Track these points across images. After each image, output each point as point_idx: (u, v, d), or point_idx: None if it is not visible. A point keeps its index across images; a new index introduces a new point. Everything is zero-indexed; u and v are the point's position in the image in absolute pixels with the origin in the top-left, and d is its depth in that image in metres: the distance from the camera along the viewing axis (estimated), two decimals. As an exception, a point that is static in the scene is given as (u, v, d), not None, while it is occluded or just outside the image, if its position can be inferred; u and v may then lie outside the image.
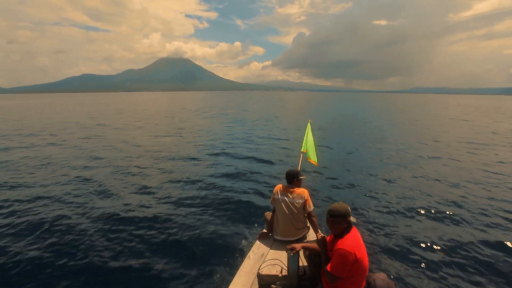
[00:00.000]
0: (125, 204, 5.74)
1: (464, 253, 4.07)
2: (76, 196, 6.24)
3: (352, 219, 2.37)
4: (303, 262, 2.89)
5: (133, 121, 22.23)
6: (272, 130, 17.43)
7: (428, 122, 22.67)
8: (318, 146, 11.67)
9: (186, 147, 11.75)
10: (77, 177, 7.57)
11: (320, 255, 2.60)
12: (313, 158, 4.88)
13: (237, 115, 28.06)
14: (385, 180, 7.44)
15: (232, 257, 3.93)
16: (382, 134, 15.78)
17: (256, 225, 4.90)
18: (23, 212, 5.36)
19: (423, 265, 3.81)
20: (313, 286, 2.73)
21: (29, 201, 5.91)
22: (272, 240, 3.40)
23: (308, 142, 4.96)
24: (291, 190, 3.34)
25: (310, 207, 3.30)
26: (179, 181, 7.21)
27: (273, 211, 3.46)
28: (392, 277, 3.52)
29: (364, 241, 2.41)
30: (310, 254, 2.76)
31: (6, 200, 5.91)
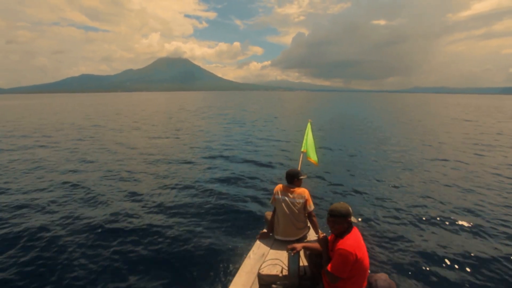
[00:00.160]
0: (113, 214, 5.29)
1: (467, 255, 4.01)
2: (60, 204, 5.80)
3: (353, 219, 2.35)
4: (303, 262, 2.87)
5: (130, 122, 21.78)
6: (272, 131, 17.01)
7: (430, 122, 22.27)
8: (319, 148, 11.28)
9: (182, 150, 11.31)
10: (64, 183, 7.13)
11: (320, 255, 2.59)
12: (313, 157, 4.89)
13: (236, 116, 27.63)
14: (388, 181, 7.26)
15: (232, 257, 3.91)
16: (384, 134, 15.39)
17: (255, 228, 4.70)
18: (-1, 224, 4.92)
19: (424, 265, 3.76)
20: (314, 286, 2.72)
21: (7, 210, 5.46)
22: (272, 240, 3.39)
23: (308, 142, 4.98)
24: (292, 190, 3.33)
25: (311, 207, 3.30)
26: (172, 188, 6.78)
27: (274, 211, 3.44)
28: (393, 277, 3.47)
29: (365, 241, 2.39)
30: (311, 254, 2.75)
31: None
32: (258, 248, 3.27)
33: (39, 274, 3.63)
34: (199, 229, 4.74)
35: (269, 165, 8.81)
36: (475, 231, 4.68)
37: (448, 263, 3.84)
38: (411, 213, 5.37)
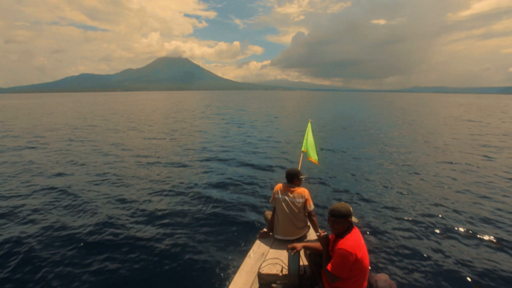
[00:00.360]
0: (98, 225, 4.82)
1: (468, 257, 3.96)
2: (42, 213, 5.32)
3: (354, 219, 2.34)
4: (303, 261, 2.87)
5: (126, 122, 21.25)
6: (272, 131, 16.51)
7: (433, 122, 21.78)
8: (321, 150, 10.82)
9: (177, 152, 10.82)
10: (51, 188, 6.66)
11: (321, 255, 2.58)
12: (314, 157, 4.87)
13: (235, 116, 27.12)
14: (390, 183, 7.10)
15: (232, 256, 3.89)
16: (386, 135, 14.94)
17: (253, 233, 4.49)
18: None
19: (425, 267, 3.73)
20: (314, 286, 2.71)
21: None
22: (272, 239, 3.39)
23: (309, 142, 4.96)
24: (292, 189, 3.33)
25: (311, 206, 3.29)
26: (165, 194, 6.30)
27: (273, 210, 3.44)
28: (394, 278, 3.44)
29: (366, 241, 2.37)
30: (311, 253, 2.74)
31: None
32: (258, 247, 3.26)
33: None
34: (190, 241, 4.35)
35: (268, 169, 8.33)
36: (477, 236, 4.51)
37: (450, 265, 3.78)
38: (414, 215, 5.23)
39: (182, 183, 7.03)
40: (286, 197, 3.28)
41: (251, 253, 3.17)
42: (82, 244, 4.30)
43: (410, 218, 5.09)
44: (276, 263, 2.84)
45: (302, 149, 4.96)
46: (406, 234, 4.56)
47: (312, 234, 3.41)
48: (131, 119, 23.88)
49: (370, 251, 2.65)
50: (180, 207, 5.57)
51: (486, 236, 4.50)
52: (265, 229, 3.53)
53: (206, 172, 8.05)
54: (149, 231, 4.65)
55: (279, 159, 9.59)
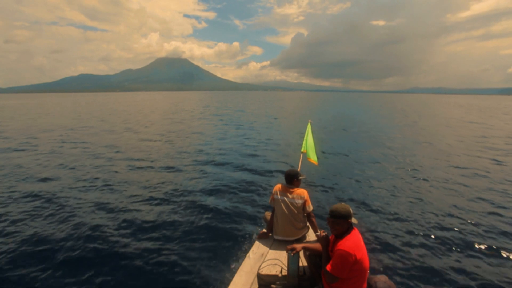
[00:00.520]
0: (79, 239, 4.40)
1: (468, 259, 3.93)
2: (20, 224, 4.88)
3: (354, 220, 2.33)
4: (303, 262, 2.86)
5: (122, 123, 20.79)
6: (271, 133, 16.05)
7: (434, 123, 21.39)
8: (323, 153, 10.39)
9: (172, 155, 10.36)
10: (34, 196, 6.20)
11: (320, 255, 2.57)
12: (313, 157, 4.86)
13: (234, 117, 26.68)
14: (392, 186, 6.94)
15: (232, 256, 3.87)
16: (388, 136, 14.57)
17: (247, 235, 4.42)
18: None
19: (425, 269, 3.69)
20: (313, 287, 2.70)
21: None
22: (271, 240, 3.37)
23: (308, 142, 4.96)
24: (291, 190, 3.30)
25: (310, 207, 3.27)
26: (157, 204, 5.86)
27: (273, 211, 3.42)
28: (393, 280, 3.39)
29: (365, 242, 2.36)
30: (311, 254, 2.73)
31: None
32: (258, 248, 3.25)
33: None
34: (189, 243, 4.24)
35: (267, 174, 7.90)
36: (486, 248, 4.26)
37: (451, 267, 3.74)
38: (415, 218, 5.13)
39: (175, 190, 6.57)
40: (285, 198, 3.26)
41: (250, 253, 3.16)
42: (59, 261, 3.87)
43: (412, 221, 4.98)
44: (275, 264, 2.84)
45: (302, 149, 4.96)
46: (407, 236, 4.49)
47: (311, 235, 3.40)
48: (128, 120, 23.43)
49: (369, 252, 2.49)
50: (168, 219, 5.13)
51: (495, 245, 4.25)
52: (264, 230, 3.53)
53: (200, 177, 7.58)
54: (140, 240, 4.25)
55: (279, 163, 9.15)
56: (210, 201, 5.87)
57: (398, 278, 3.50)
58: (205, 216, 5.17)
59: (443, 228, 4.75)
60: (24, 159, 9.66)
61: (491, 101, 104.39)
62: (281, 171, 8.03)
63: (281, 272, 2.74)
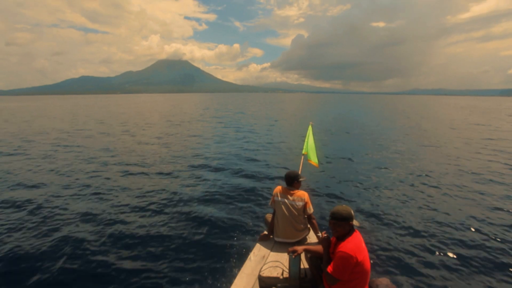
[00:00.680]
0: (64, 255, 3.96)
1: (469, 262, 3.86)
2: (7, 235, 4.46)
3: (356, 222, 2.32)
4: (304, 264, 2.84)
5: (120, 126, 20.37)
6: (271, 136, 15.60)
7: (438, 125, 20.89)
8: (326, 157, 9.93)
9: (168, 160, 9.90)
10: (18, 206, 5.76)
11: (321, 258, 2.53)
12: (314, 160, 4.85)
13: (233, 119, 26.26)
14: (393, 188, 6.87)
15: (233, 258, 3.84)
16: (391, 139, 14.11)
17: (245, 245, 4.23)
18: None
19: (427, 271, 3.64)
20: None
21: None
22: (273, 242, 3.35)
23: (309, 144, 4.95)
24: (291, 192, 3.28)
25: (310, 209, 3.24)
26: (150, 215, 5.41)
27: (273, 213, 3.40)
28: (396, 282, 3.36)
29: (367, 245, 2.32)
30: (312, 256, 2.71)
31: None
32: (259, 250, 3.23)
33: None
34: (188, 246, 4.20)
35: (268, 180, 7.45)
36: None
37: (452, 269, 3.68)
38: (418, 222, 5.03)
39: (169, 200, 6.12)
40: (286, 200, 3.24)
41: (251, 256, 3.13)
42: (33, 284, 3.42)
43: (413, 225, 4.89)
44: (276, 266, 2.82)
45: (303, 151, 4.98)
46: (409, 239, 4.43)
47: (312, 237, 3.37)
48: (126, 122, 23.02)
49: (371, 255, 2.59)
50: (164, 225, 4.70)
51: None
52: (265, 232, 3.50)
53: (195, 185, 7.10)
54: (125, 258, 3.79)
55: (279, 168, 8.70)
56: (206, 212, 5.42)
57: (400, 281, 3.44)
58: (199, 230, 4.72)
59: (453, 238, 4.48)
60: (15, 164, 9.23)
61: (491, 102, 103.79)
62: (282, 177, 7.56)
63: (282, 274, 2.72)
